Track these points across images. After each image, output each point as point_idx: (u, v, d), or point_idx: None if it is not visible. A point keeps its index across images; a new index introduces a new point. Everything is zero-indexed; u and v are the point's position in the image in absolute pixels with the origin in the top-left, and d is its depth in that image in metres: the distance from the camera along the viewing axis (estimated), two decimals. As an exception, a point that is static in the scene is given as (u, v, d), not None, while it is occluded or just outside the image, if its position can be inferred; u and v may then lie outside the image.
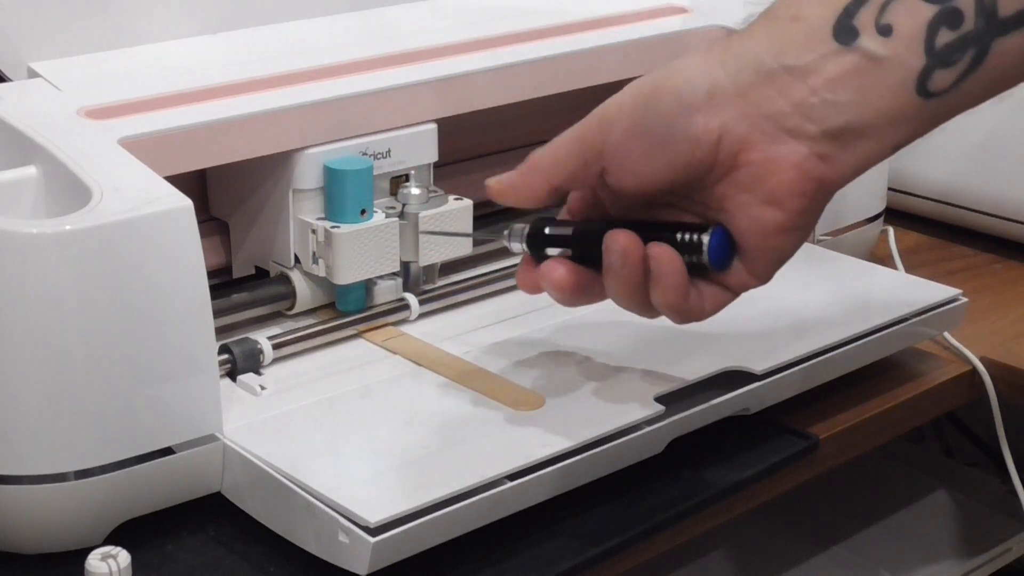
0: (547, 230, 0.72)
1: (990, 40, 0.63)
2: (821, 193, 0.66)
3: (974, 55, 0.63)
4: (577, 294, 0.71)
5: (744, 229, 0.67)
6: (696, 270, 0.68)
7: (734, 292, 0.70)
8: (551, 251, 0.72)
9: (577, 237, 0.71)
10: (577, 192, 0.72)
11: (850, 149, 0.65)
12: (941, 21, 0.63)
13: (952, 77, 0.63)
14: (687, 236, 0.68)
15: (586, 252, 0.70)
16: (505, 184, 0.71)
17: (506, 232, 0.74)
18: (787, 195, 0.65)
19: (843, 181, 0.66)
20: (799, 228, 0.67)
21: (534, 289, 0.73)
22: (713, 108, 0.65)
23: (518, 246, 0.73)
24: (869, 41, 0.63)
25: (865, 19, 0.63)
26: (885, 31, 0.63)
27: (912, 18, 0.63)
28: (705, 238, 0.67)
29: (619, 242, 0.68)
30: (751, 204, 0.66)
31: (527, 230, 0.72)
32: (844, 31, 0.64)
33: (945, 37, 0.63)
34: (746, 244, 0.67)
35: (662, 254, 0.68)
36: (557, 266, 0.71)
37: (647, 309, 0.70)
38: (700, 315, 0.70)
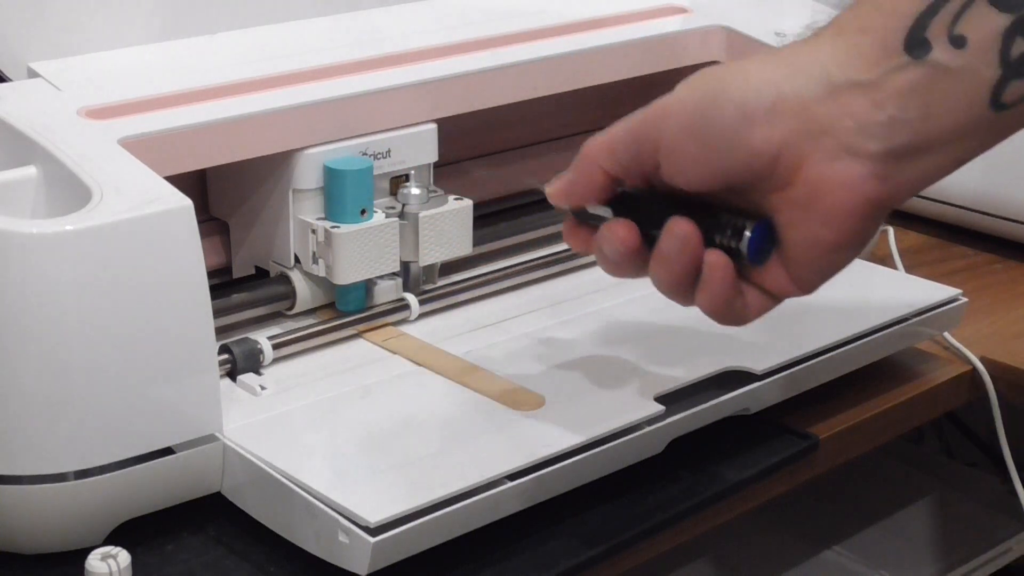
0: (589, 209, 0.69)
1: None
2: (878, 214, 0.64)
3: None
4: (635, 259, 0.69)
5: (795, 243, 0.65)
6: (735, 258, 0.66)
7: (776, 299, 0.68)
8: (597, 210, 0.69)
9: (628, 202, 0.68)
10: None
11: (912, 167, 0.63)
12: (1017, 30, 0.60)
13: None
14: (731, 222, 0.66)
15: (635, 219, 0.68)
16: (563, 183, 0.70)
17: (549, 182, 0.70)
18: (841, 216, 0.63)
19: (901, 200, 0.64)
20: (852, 247, 0.65)
21: (583, 246, 0.71)
22: (775, 121, 0.63)
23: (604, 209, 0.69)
24: (942, 53, 0.61)
25: (937, 30, 0.61)
26: (958, 42, 0.61)
27: (986, 28, 0.61)
28: (748, 231, 0.65)
29: (683, 230, 0.66)
30: (804, 221, 0.64)
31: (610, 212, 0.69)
32: (916, 44, 0.61)
33: (1021, 47, 0.60)
34: (795, 257, 0.66)
35: (716, 262, 0.66)
36: (620, 227, 0.68)
37: (686, 299, 0.68)
38: (742, 321, 0.68)
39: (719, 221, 0.66)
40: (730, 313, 0.68)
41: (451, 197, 0.87)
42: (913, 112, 0.62)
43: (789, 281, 0.67)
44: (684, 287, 0.68)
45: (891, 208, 0.65)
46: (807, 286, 0.67)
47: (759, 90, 0.64)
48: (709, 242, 0.67)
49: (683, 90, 0.66)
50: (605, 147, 0.68)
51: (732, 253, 0.66)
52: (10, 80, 0.83)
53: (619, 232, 0.68)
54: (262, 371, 0.80)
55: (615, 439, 0.74)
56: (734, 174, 0.65)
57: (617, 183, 0.69)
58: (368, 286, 0.86)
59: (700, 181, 0.66)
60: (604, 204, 0.69)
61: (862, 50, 0.63)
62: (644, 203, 0.68)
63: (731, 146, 0.64)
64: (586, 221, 0.70)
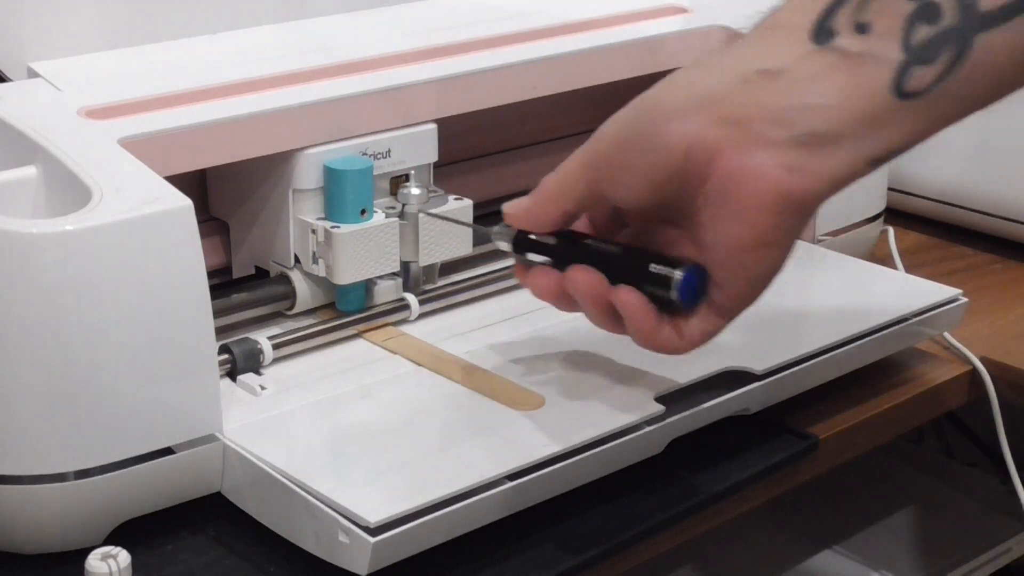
0: (532, 236, 0.72)
1: (971, 35, 0.60)
2: (792, 207, 0.63)
3: (954, 52, 0.60)
4: (562, 302, 0.71)
5: (711, 245, 0.65)
6: (668, 305, 0.68)
7: (716, 322, 0.68)
8: (534, 257, 0.72)
9: (557, 251, 0.71)
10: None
11: (821, 158, 0.62)
12: (919, 16, 0.60)
13: (932, 76, 0.60)
14: (659, 272, 0.67)
15: (568, 264, 0.70)
16: (520, 210, 0.71)
17: (495, 229, 0.74)
18: (752, 209, 0.63)
19: (815, 196, 0.63)
20: (769, 245, 0.64)
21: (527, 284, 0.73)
22: (687, 115, 0.64)
23: (505, 245, 0.73)
24: (846, 39, 0.61)
25: (843, 19, 0.62)
26: (862, 29, 0.61)
27: (889, 14, 0.61)
28: (677, 275, 0.66)
29: (578, 283, 0.68)
30: (719, 218, 0.64)
31: (515, 234, 0.72)
32: (822, 32, 0.62)
33: (923, 33, 0.60)
34: (716, 262, 0.65)
35: (628, 300, 0.67)
36: (541, 276, 0.71)
37: (623, 332, 0.70)
38: (677, 350, 0.69)
39: (647, 269, 0.68)
40: (659, 343, 0.69)
41: (451, 197, 0.87)
42: (817, 99, 0.61)
43: (721, 293, 0.67)
44: (614, 325, 0.70)
45: (808, 206, 0.64)
46: (740, 295, 0.67)
47: (675, 89, 0.65)
48: (641, 287, 0.68)
49: (623, 109, 0.67)
50: (558, 185, 0.70)
51: (666, 301, 0.67)
52: (10, 80, 0.83)
53: (537, 282, 0.71)
54: (262, 371, 0.80)
55: (615, 439, 0.74)
56: (659, 176, 0.65)
57: (572, 219, 0.71)
58: (368, 286, 0.86)
59: (634, 192, 0.67)
60: (550, 235, 0.71)
61: (773, 42, 0.63)
62: (579, 246, 0.70)
63: (649, 146, 0.65)
64: (522, 254, 0.72)
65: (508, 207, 0.72)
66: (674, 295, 0.67)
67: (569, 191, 0.69)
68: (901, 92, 0.61)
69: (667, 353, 0.69)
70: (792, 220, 0.64)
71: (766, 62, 0.63)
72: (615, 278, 0.69)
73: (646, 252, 0.69)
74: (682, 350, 0.69)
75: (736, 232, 0.64)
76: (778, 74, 0.62)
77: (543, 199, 0.70)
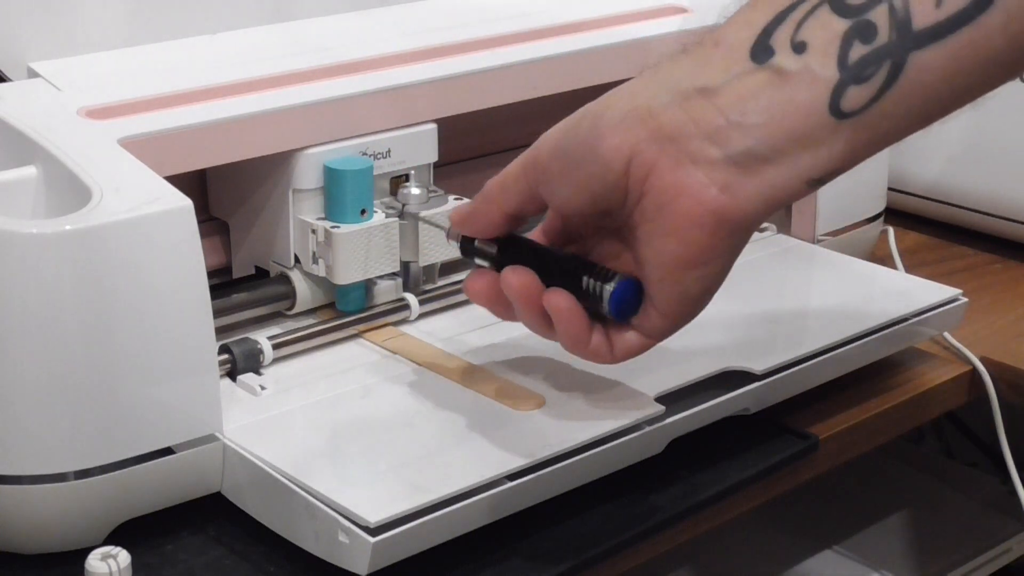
0: (476, 242, 0.73)
1: (905, 54, 0.60)
2: (724, 228, 0.63)
3: (889, 70, 0.60)
4: (497, 306, 0.72)
5: (646, 260, 0.65)
6: (600, 317, 0.68)
7: (648, 337, 0.68)
8: (478, 261, 0.73)
9: (497, 255, 0.72)
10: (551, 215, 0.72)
11: (755, 178, 0.62)
12: (854, 35, 0.60)
13: (867, 94, 0.60)
14: (593, 283, 0.67)
15: (509, 264, 0.71)
16: (463, 214, 0.72)
17: (447, 229, 0.75)
18: (685, 227, 0.63)
19: (748, 217, 0.63)
20: (701, 264, 0.64)
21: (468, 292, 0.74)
22: (625, 129, 0.63)
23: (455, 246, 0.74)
24: (783, 58, 0.61)
25: (781, 37, 0.61)
26: (799, 48, 0.61)
27: (825, 33, 0.61)
28: (608, 288, 0.66)
29: (512, 284, 0.68)
30: (653, 234, 0.64)
31: (460, 238, 0.74)
32: (760, 50, 0.62)
33: (859, 51, 0.60)
34: (650, 278, 0.65)
35: (558, 303, 0.67)
36: (477, 279, 0.71)
37: (554, 339, 0.70)
38: (607, 359, 0.69)
39: (580, 281, 0.68)
40: (589, 351, 0.69)
41: (451, 197, 0.87)
42: (753, 117, 0.61)
43: (653, 311, 0.67)
44: (543, 328, 0.70)
45: (741, 226, 0.64)
46: (671, 315, 0.67)
47: (614, 103, 0.65)
48: (580, 297, 0.68)
49: (565, 118, 0.67)
50: (498, 185, 0.70)
51: (599, 314, 0.68)
52: (10, 80, 0.83)
53: (472, 285, 0.72)
54: (262, 371, 0.80)
55: (615, 439, 0.74)
56: (595, 189, 0.65)
57: (515, 222, 0.71)
58: (368, 286, 0.86)
59: (569, 202, 0.67)
60: (493, 241, 0.72)
61: (712, 59, 0.63)
62: (520, 251, 0.71)
63: (587, 158, 0.65)
64: (470, 257, 0.73)
65: (453, 211, 0.73)
66: (605, 307, 0.67)
67: (508, 193, 0.70)
68: (837, 111, 0.61)
69: (595, 362, 0.70)
70: (726, 239, 0.64)
71: (704, 79, 0.63)
72: (550, 284, 0.69)
73: (586, 262, 0.69)
74: (610, 361, 0.69)
75: (670, 249, 0.64)
76: (715, 91, 0.62)
77: (484, 201, 0.71)
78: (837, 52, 0.60)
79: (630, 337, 0.68)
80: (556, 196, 0.68)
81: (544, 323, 0.69)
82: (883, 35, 0.60)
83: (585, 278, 0.68)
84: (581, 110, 0.67)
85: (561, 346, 0.70)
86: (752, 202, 0.63)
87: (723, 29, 0.64)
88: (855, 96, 0.60)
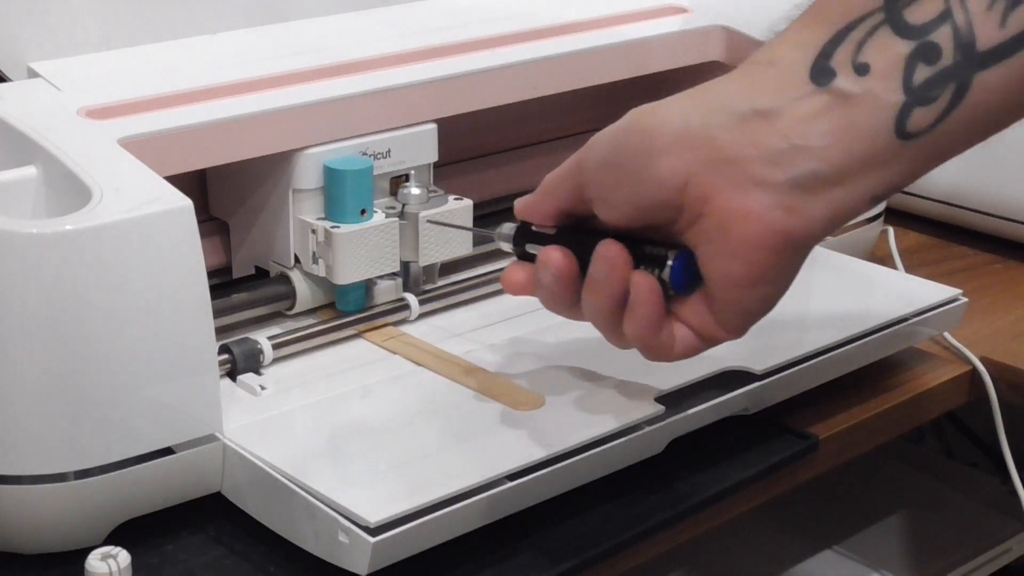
0: (534, 227, 0.71)
1: (971, 75, 0.60)
2: (790, 248, 0.63)
3: (954, 91, 0.60)
4: (569, 286, 0.69)
5: (710, 279, 0.65)
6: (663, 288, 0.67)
7: (705, 340, 0.68)
8: (533, 249, 0.71)
9: (561, 238, 0.70)
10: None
11: (820, 199, 0.62)
12: (918, 57, 0.60)
13: (932, 116, 0.60)
14: (655, 250, 0.67)
15: (573, 250, 0.69)
16: (524, 204, 0.72)
17: (497, 231, 0.73)
18: (750, 248, 0.63)
19: (814, 235, 0.63)
20: (766, 283, 0.64)
21: (515, 287, 0.72)
22: (680, 151, 0.63)
23: (507, 246, 0.73)
24: (845, 80, 0.61)
25: (841, 59, 0.61)
26: (862, 70, 0.60)
27: (888, 54, 0.60)
28: (671, 259, 0.66)
29: (610, 251, 0.67)
30: (716, 255, 0.64)
31: (516, 227, 0.72)
32: (821, 72, 0.61)
33: (923, 73, 0.60)
34: (714, 293, 0.65)
35: (643, 282, 0.66)
36: (555, 251, 0.69)
37: (616, 333, 0.68)
38: (668, 355, 0.68)
39: (644, 251, 0.67)
40: (656, 341, 0.67)
41: (451, 197, 0.87)
42: (817, 140, 0.61)
43: (713, 321, 0.66)
44: (614, 315, 0.68)
45: (806, 245, 0.64)
46: (732, 327, 0.66)
47: (666, 121, 0.64)
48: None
49: (614, 124, 0.67)
50: (551, 180, 0.70)
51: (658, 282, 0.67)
52: (10, 80, 0.83)
53: (553, 257, 0.69)
54: (262, 371, 0.80)
55: (615, 439, 0.75)
56: (648, 206, 0.65)
57: (566, 216, 0.70)
58: (368, 286, 0.86)
59: (620, 214, 0.67)
60: (551, 230, 0.71)
61: (767, 81, 0.63)
62: (582, 235, 0.69)
63: (640, 177, 0.64)
64: (525, 258, 0.72)
65: (518, 201, 0.72)
66: (666, 275, 0.66)
67: (560, 189, 0.69)
68: (902, 133, 0.61)
69: (656, 358, 0.68)
70: (790, 259, 0.64)
71: (761, 101, 0.62)
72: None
73: (642, 237, 0.68)
74: (671, 358, 0.68)
75: (734, 270, 0.64)
76: (775, 114, 0.62)
77: (541, 193, 0.71)
78: (902, 75, 0.60)
79: (690, 336, 0.67)
80: (603, 205, 0.67)
81: (619, 306, 0.67)
82: (947, 57, 0.60)
83: (648, 247, 0.67)
84: (626, 121, 0.66)
85: (627, 333, 0.67)
86: (818, 222, 0.63)
87: (775, 48, 0.63)
88: (920, 118, 0.60)
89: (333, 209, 0.83)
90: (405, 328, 0.86)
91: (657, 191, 0.64)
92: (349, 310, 0.85)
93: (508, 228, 0.73)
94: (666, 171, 0.63)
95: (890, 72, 0.60)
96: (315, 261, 0.84)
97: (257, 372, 0.80)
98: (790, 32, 0.63)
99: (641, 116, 0.65)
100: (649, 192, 0.64)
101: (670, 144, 0.63)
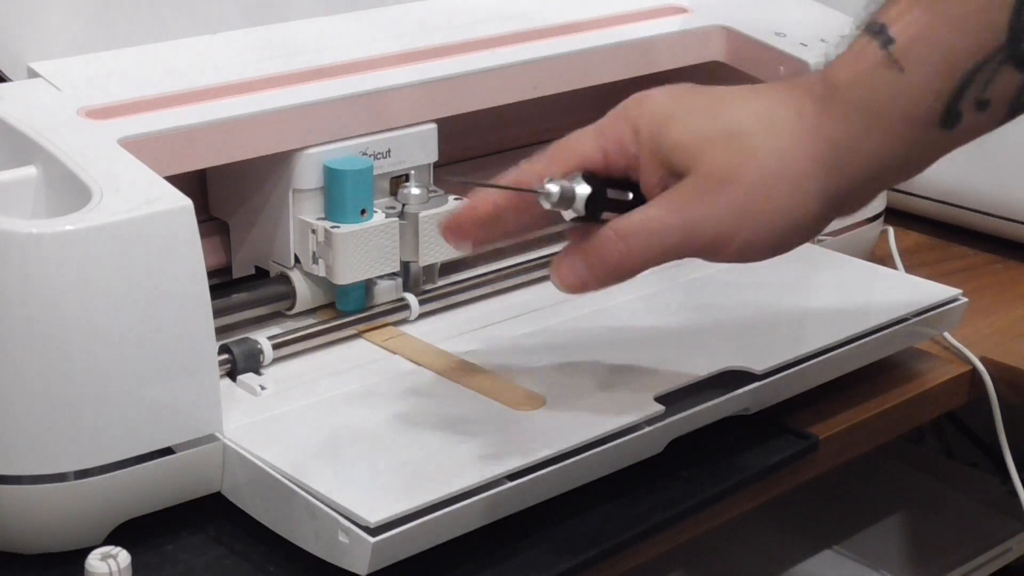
0: (609, 193, 0.67)
1: None
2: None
3: None
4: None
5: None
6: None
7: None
8: (614, 193, 0.68)
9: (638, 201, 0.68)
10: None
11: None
12: None
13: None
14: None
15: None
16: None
17: (549, 189, 0.66)
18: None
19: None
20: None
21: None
22: (801, 204, 0.67)
23: (569, 212, 0.67)
24: (969, 118, 0.64)
25: (968, 101, 0.63)
26: (983, 106, 0.63)
27: (1006, 88, 0.63)
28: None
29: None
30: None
31: (588, 192, 0.66)
32: (951, 118, 0.64)
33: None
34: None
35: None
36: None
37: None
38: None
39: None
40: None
41: (451, 197, 0.87)
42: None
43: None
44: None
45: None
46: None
47: (769, 164, 0.66)
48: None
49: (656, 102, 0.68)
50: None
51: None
52: (10, 80, 0.83)
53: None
54: (262, 371, 0.80)
55: (615, 439, 0.74)
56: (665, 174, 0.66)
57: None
58: (368, 286, 0.86)
59: (673, 136, 0.66)
60: (564, 179, 0.67)
61: (893, 132, 0.65)
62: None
63: (715, 112, 0.66)
64: (599, 214, 0.68)
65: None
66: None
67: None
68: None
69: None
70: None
71: (891, 156, 0.66)
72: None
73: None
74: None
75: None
76: (903, 164, 0.67)
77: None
78: (1010, 103, 0.64)
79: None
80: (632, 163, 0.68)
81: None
82: None
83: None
84: (727, 128, 0.67)
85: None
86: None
87: (889, 95, 0.64)
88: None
89: (333, 209, 0.83)
90: (405, 328, 0.86)
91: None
92: (349, 310, 0.85)
93: (576, 191, 0.66)
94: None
95: (1003, 105, 0.64)
96: (315, 261, 0.84)
97: (257, 372, 0.80)
98: (904, 82, 0.64)
99: (734, 119, 0.67)
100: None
101: (789, 192, 0.66)
